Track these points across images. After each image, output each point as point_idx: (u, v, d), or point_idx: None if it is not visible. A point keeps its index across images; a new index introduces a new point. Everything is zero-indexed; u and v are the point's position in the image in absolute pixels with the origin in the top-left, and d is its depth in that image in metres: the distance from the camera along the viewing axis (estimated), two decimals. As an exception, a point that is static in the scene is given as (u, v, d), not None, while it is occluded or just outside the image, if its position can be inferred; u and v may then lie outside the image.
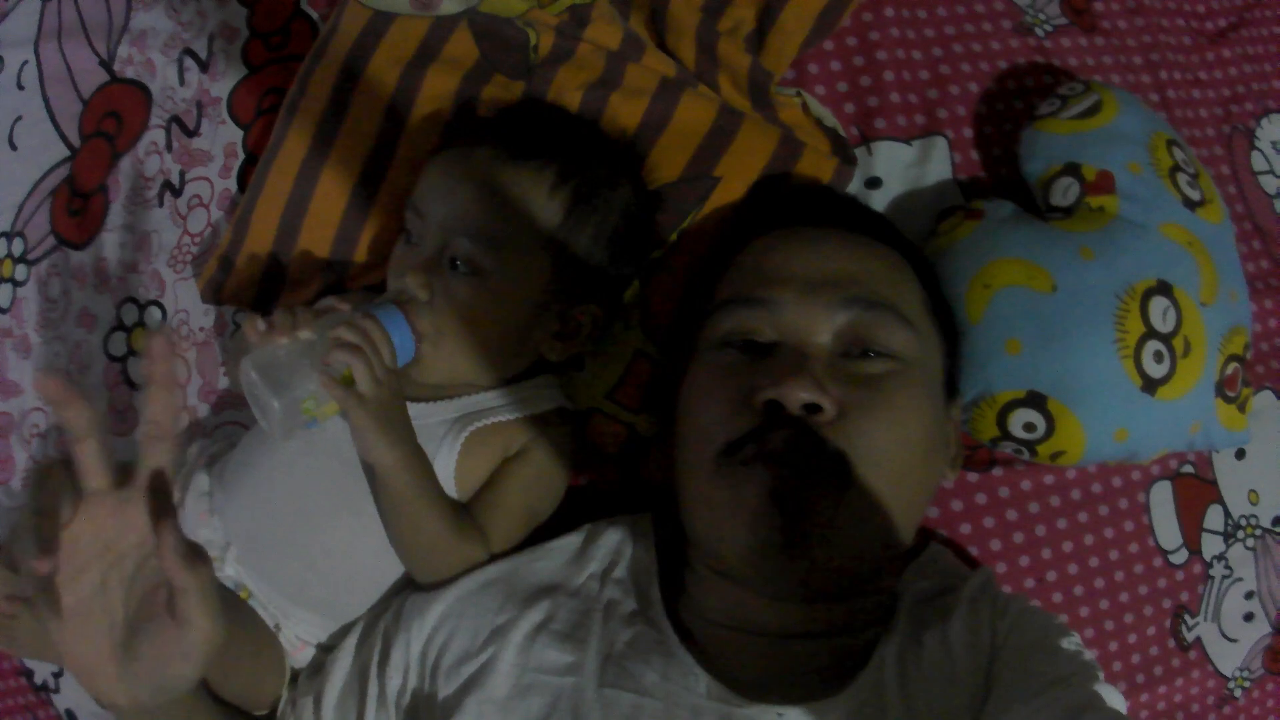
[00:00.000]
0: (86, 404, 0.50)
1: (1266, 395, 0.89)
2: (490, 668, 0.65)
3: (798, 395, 0.62)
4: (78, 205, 0.94)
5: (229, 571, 0.73)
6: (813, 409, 0.63)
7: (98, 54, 0.95)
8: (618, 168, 0.75)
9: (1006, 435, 0.75)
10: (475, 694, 0.64)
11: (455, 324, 0.70)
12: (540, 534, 0.75)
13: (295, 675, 0.75)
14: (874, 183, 0.84)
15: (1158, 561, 0.83)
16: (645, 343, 0.80)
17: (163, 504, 0.51)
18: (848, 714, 0.62)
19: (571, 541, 0.74)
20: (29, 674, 0.96)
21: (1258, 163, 0.96)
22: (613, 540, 0.74)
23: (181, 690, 0.54)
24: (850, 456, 0.63)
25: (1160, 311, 0.74)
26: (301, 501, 0.72)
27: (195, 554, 0.51)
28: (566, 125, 0.77)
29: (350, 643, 0.72)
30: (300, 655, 0.75)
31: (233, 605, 0.72)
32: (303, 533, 0.72)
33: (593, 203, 0.72)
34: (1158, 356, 0.73)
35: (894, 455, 0.64)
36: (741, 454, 0.64)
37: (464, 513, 0.71)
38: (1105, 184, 0.77)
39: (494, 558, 0.72)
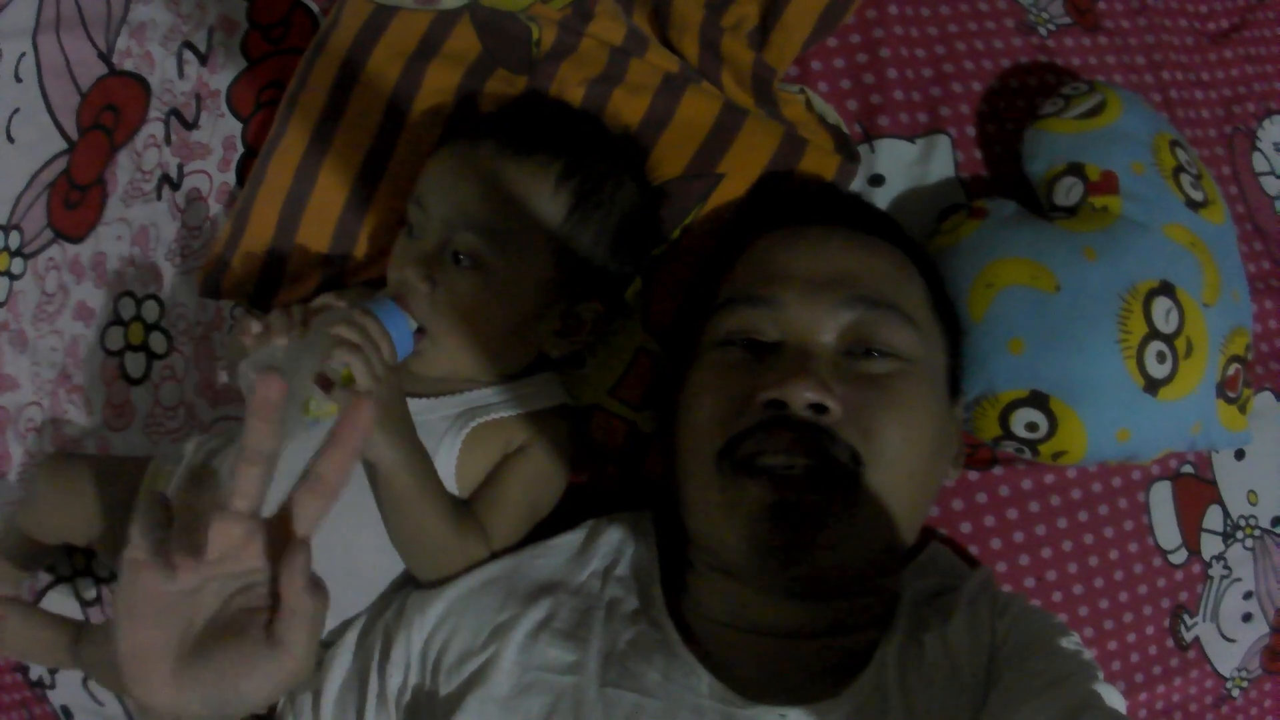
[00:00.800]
0: (279, 430, 0.50)
1: (1266, 396, 0.90)
2: (492, 666, 0.65)
3: (803, 395, 0.62)
4: (75, 198, 0.93)
5: None
6: (818, 409, 0.63)
7: (96, 46, 0.95)
8: (621, 164, 0.75)
9: (1009, 434, 0.75)
10: (476, 692, 0.64)
11: (457, 318, 0.70)
12: (542, 531, 0.74)
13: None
14: (877, 180, 0.84)
15: (1157, 561, 0.83)
16: (647, 339, 0.80)
17: (298, 537, 0.51)
18: (849, 714, 0.61)
19: (573, 539, 0.74)
20: (24, 670, 0.96)
21: (1259, 164, 0.96)
22: (614, 538, 0.74)
23: (240, 712, 0.51)
24: (860, 457, 0.63)
25: (1163, 312, 0.74)
26: (300, 498, 0.71)
27: (318, 585, 0.50)
28: (570, 121, 0.77)
29: (350, 639, 0.71)
30: (298, 652, 0.75)
31: None
32: (301, 529, 0.71)
33: (596, 199, 0.72)
34: (1160, 357, 0.73)
35: (902, 455, 0.64)
36: (741, 450, 0.63)
37: (465, 510, 0.71)
38: (1109, 184, 0.77)
39: (495, 555, 0.72)
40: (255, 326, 0.66)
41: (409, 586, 0.73)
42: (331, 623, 0.74)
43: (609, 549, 0.73)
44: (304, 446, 0.70)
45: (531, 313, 0.72)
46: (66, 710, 0.94)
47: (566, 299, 0.73)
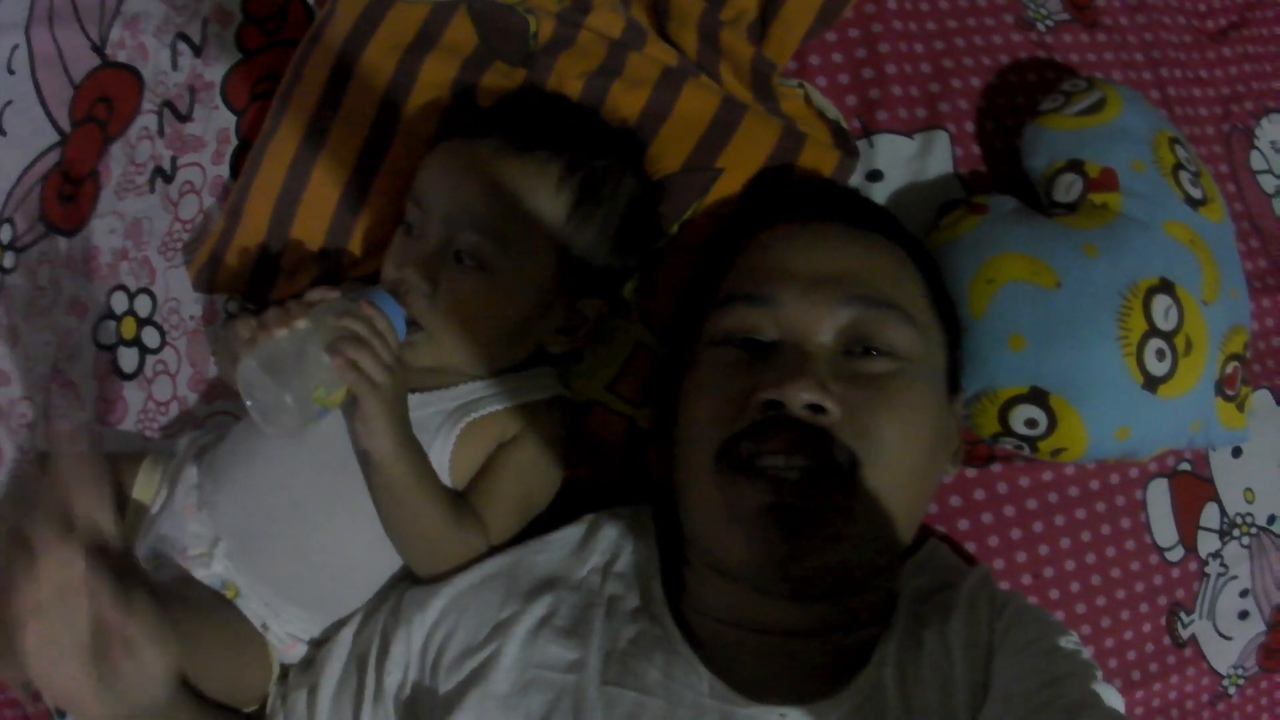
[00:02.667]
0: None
1: (1263, 394, 0.90)
2: (492, 663, 0.64)
3: (800, 396, 0.62)
4: (68, 191, 0.93)
5: (217, 568, 0.72)
6: (815, 409, 0.62)
7: (89, 38, 0.94)
8: (622, 159, 0.74)
9: (1008, 431, 0.75)
10: (477, 689, 0.63)
11: (458, 318, 0.69)
12: (540, 526, 0.74)
13: (286, 671, 0.75)
14: (875, 175, 0.84)
15: (1154, 559, 0.83)
16: (646, 334, 0.80)
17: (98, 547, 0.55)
18: (848, 713, 0.61)
19: (573, 533, 0.74)
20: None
21: (1256, 162, 0.97)
22: (614, 533, 0.74)
23: (156, 705, 0.58)
24: (859, 458, 0.62)
25: (1163, 309, 0.74)
26: (294, 495, 0.71)
27: (131, 591, 0.54)
28: (570, 116, 0.76)
29: (345, 636, 0.71)
30: (292, 652, 0.74)
31: (205, 604, 0.71)
32: (295, 527, 0.71)
33: (598, 196, 0.71)
34: (1159, 354, 0.73)
35: (900, 455, 0.64)
36: (738, 452, 0.63)
37: (462, 502, 0.71)
38: (1108, 181, 0.77)
39: (493, 548, 0.72)
40: (249, 326, 0.65)
41: (404, 584, 0.72)
42: (325, 622, 0.74)
43: (609, 544, 0.73)
44: (297, 440, 0.70)
45: (533, 311, 0.72)
46: (61, 712, 0.94)
47: (568, 296, 0.73)
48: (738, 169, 0.79)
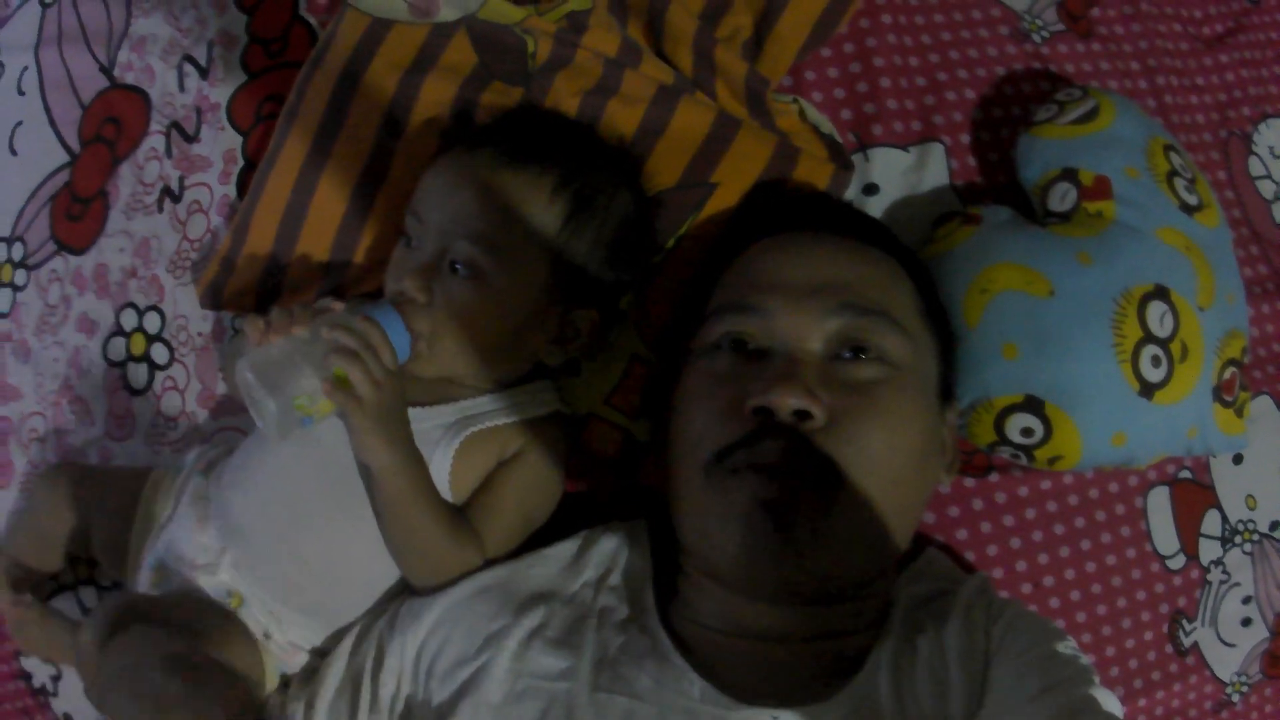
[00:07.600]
0: None
1: (1264, 400, 0.89)
2: (485, 673, 0.65)
3: (787, 401, 0.62)
4: (77, 210, 0.94)
5: (223, 577, 0.73)
6: (803, 415, 0.63)
7: (98, 60, 0.95)
8: (617, 174, 0.75)
9: (1004, 440, 0.75)
10: (470, 699, 0.64)
11: (453, 327, 0.70)
12: (537, 539, 0.75)
13: (288, 681, 0.75)
14: (871, 189, 0.84)
15: (1155, 567, 0.83)
16: (642, 348, 0.80)
17: None
18: (842, 717, 0.62)
19: (567, 549, 0.74)
20: (28, 677, 0.96)
21: (1255, 168, 0.96)
22: (608, 547, 0.74)
23: None
24: (840, 463, 0.63)
25: (1157, 316, 0.74)
26: (298, 506, 0.72)
27: None
28: (566, 130, 0.77)
29: (344, 648, 0.72)
30: (293, 661, 0.75)
31: (202, 616, 0.72)
32: (299, 537, 0.72)
33: (592, 208, 0.72)
34: (1155, 361, 0.74)
35: (885, 461, 0.65)
36: (731, 461, 0.64)
37: (460, 517, 0.71)
38: (1102, 189, 0.77)
39: (490, 562, 0.72)
40: (259, 324, 0.67)
41: (404, 595, 0.73)
42: (327, 630, 0.75)
43: (602, 558, 0.73)
44: (301, 452, 0.71)
45: (527, 321, 0.73)
46: (69, 717, 0.95)
47: (562, 307, 0.73)
48: (732, 184, 0.79)
